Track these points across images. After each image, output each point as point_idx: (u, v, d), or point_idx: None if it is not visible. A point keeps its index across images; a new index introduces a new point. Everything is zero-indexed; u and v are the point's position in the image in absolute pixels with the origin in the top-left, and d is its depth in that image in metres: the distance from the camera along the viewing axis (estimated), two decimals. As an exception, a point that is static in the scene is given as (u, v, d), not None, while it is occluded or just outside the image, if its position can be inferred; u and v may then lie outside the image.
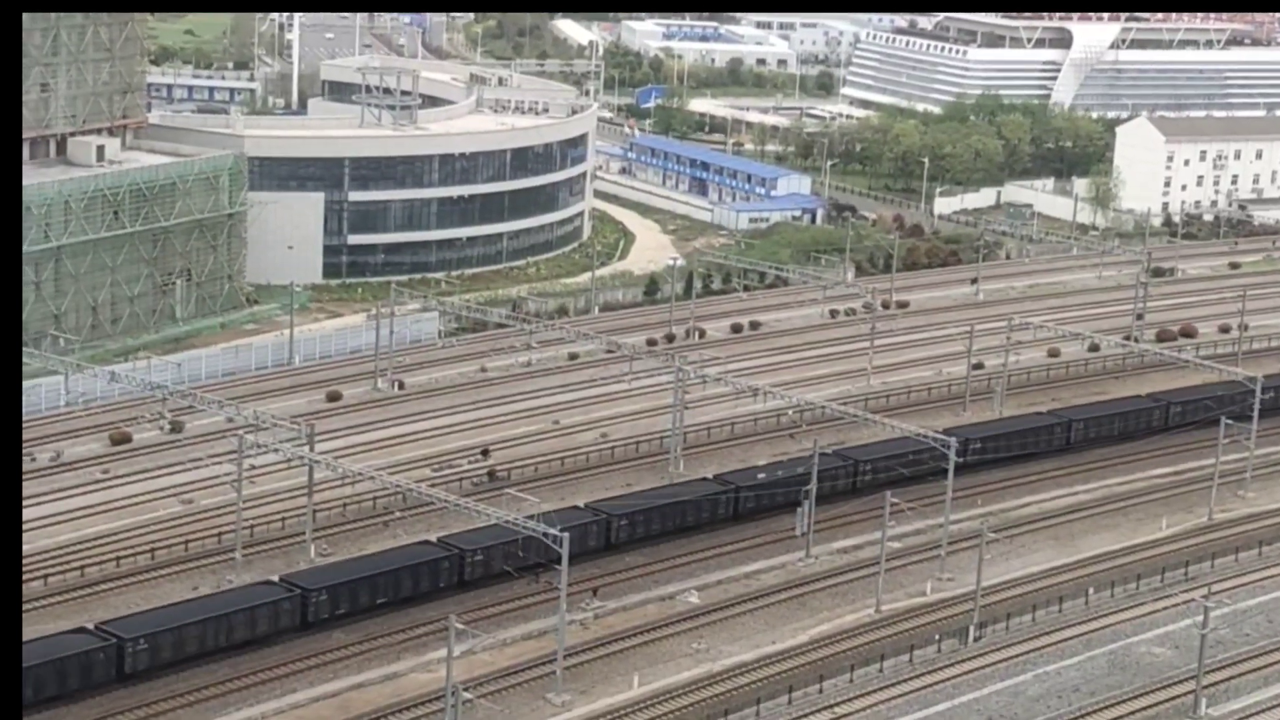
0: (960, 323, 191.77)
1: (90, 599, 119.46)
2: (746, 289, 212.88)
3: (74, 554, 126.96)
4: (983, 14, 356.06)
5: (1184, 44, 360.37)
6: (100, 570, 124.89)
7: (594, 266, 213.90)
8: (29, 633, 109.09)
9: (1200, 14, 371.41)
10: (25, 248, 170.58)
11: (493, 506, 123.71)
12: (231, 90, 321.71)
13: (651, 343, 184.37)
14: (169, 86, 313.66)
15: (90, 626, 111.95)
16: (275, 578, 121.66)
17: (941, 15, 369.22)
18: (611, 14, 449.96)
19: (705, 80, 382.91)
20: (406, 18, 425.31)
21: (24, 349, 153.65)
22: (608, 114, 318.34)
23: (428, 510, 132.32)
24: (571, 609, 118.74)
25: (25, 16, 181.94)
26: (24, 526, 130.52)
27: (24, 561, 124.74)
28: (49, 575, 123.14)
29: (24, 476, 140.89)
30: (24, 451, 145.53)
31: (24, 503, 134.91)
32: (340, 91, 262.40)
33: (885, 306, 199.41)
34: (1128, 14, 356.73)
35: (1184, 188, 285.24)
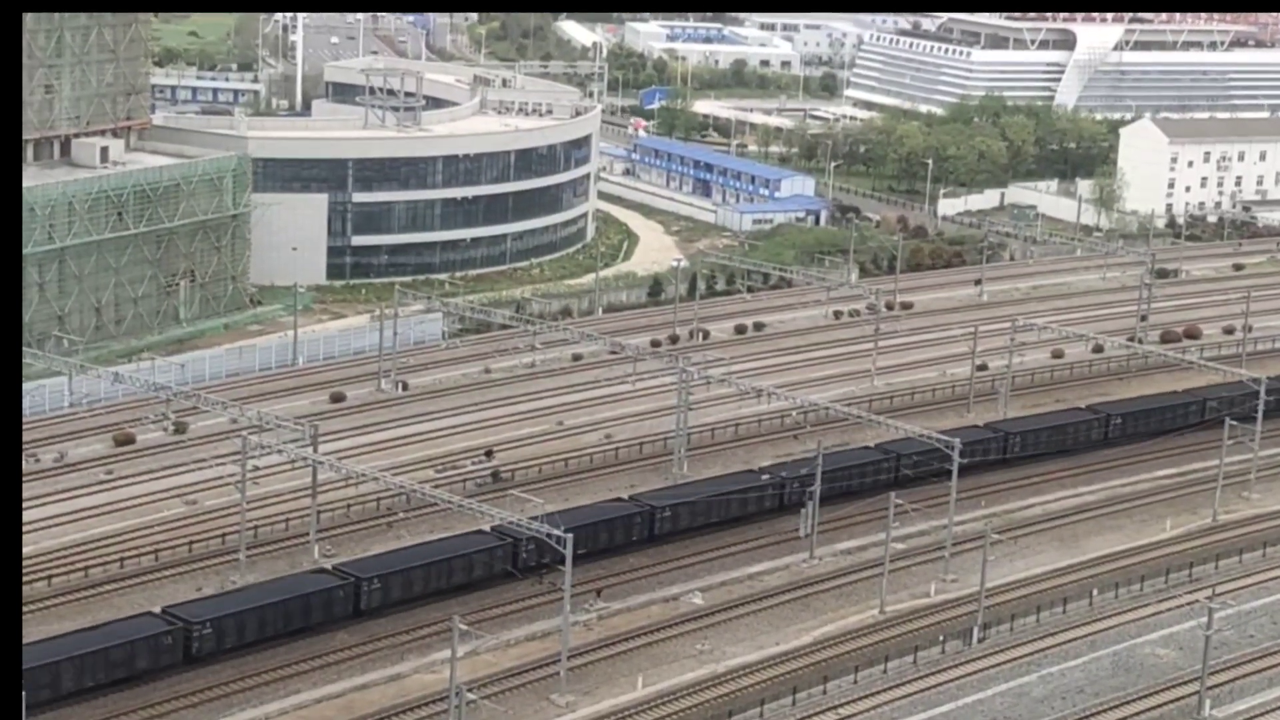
0: (964, 324, 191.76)
1: (94, 600, 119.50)
2: (750, 290, 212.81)
3: (78, 555, 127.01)
4: (987, 15, 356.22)
5: (1188, 45, 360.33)
6: (105, 571, 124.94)
7: (598, 268, 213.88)
8: (37, 634, 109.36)
9: (1204, 15, 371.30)
10: (29, 249, 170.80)
11: (496, 507, 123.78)
12: (235, 91, 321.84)
13: (655, 344, 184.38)
14: (173, 88, 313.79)
15: (329, 566, 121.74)
16: (329, 566, 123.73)
17: (945, 17, 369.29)
18: (614, 14, 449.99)
19: (709, 82, 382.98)
20: (410, 19, 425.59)
21: (28, 350, 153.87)
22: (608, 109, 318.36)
23: (431, 511, 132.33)
24: (575, 610, 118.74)
25: (29, 18, 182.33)
26: (29, 527, 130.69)
27: (28, 562, 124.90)
28: (53, 576, 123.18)
29: (28, 477, 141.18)
30: (29, 453, 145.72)
31: (29, 504, 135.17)
32: (344, 93, 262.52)
33: (889, 308, 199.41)
34: (1131, 15, 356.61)
35: (1188, 189, 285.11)
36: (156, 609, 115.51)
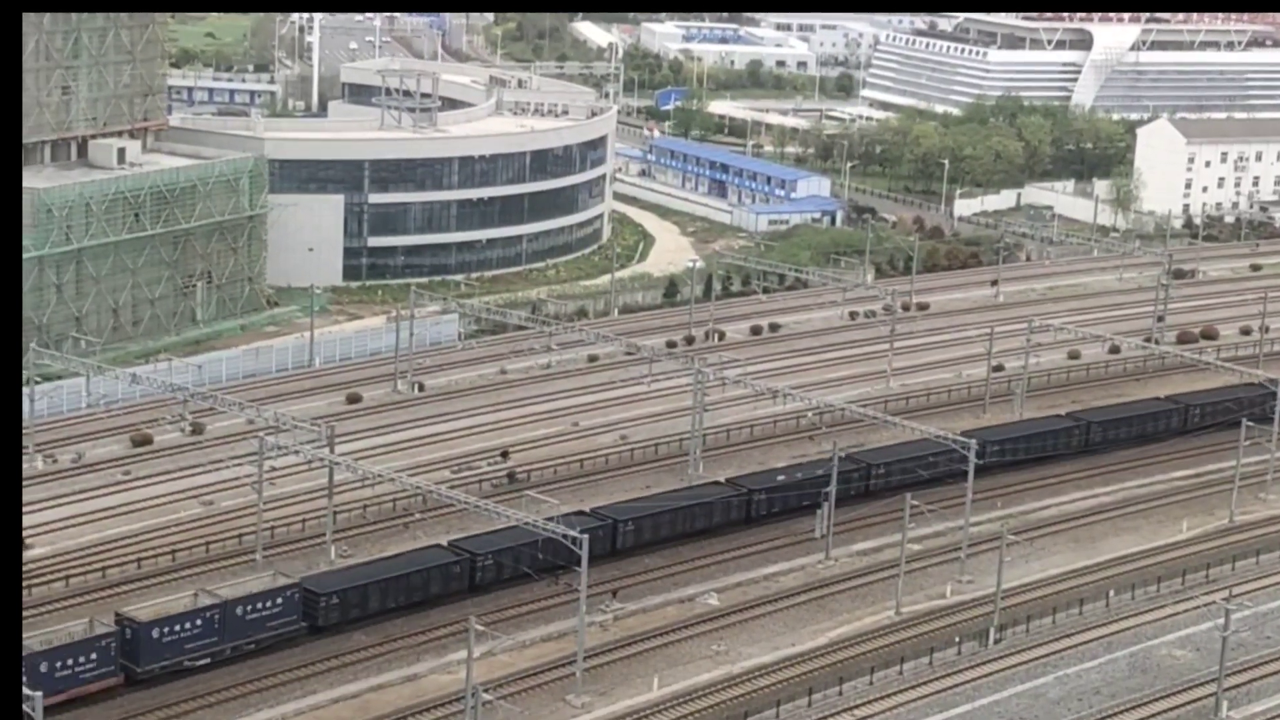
0: (980, 325, 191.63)
1: (112, 599, 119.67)
2: (766, 291, 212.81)
3: (95, 555, 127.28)
4: (1002, 15, 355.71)
5: (1205, 45, 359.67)
6: (121, 571, 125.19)
7: (613, 268, 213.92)
8: (53, 635, 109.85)
9: (1221, 15, 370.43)
10: (46, 250, 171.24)
11: (513, 508, 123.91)
12: (252, 93, 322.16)
13: (671, 345, 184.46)
14: (189, 89, 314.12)
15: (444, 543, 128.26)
16: (444, 542, 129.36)
17: (962, 16, 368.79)
18: (629, 14, 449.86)
19: (725, 82, 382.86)
20: (426, 19, 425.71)
21: (46, 351, 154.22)
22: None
23: (448, 512, 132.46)
24: (591, 611, 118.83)
25: (48, 19, 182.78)
26: (47, 528, 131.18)
27: (47, 563, 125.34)
28: (70, 576, 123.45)
29: (47, 478, 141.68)
30: (47, 453, 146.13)
31: (47, 504, 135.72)
32: (360, 94, 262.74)
33: (905, 308, 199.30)
34: (1148, 15, 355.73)
35: (1205, 189, 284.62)
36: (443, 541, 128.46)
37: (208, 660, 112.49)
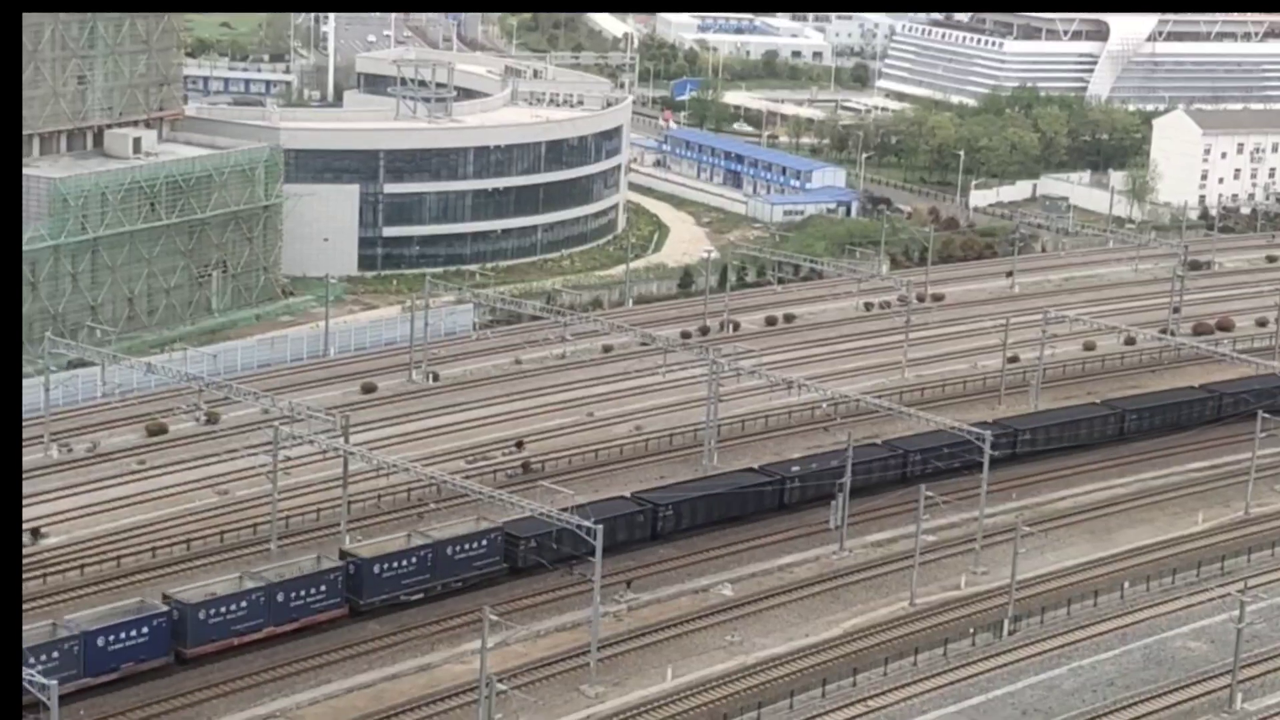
0: (996, 316, 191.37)
1: (126, 588, 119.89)
2: (781, 282, 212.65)
3: (110, 544, 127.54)
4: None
5: (1221, 36, 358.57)
6: (136, 560, 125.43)
7: (628, 259, 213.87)
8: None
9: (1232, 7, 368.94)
10: (62, 239, 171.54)
11: (528, 498, 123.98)
12: (267, 82, 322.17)
13: (686, 335, 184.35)
14: (205, 79, 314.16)
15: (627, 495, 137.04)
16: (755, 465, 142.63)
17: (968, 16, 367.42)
18: (630, 12, 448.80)
19: (740, 72, 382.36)
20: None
21: (62, 340, 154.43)
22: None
23: (462, 502, 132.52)
24: (605, 601, 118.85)
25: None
26: (62, 517, 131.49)
27: (62, 551, 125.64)
28: (85, 565, 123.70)
29: (62, 467, 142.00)
30: (61, 442, 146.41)
31: (62, 493, 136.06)
32: (375, 84, 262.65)
33: (920, 299, 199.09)
34: (1153, 12, 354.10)
35: (1221, 180, 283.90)
36: (627, 493, 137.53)
37: (421, 595, 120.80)
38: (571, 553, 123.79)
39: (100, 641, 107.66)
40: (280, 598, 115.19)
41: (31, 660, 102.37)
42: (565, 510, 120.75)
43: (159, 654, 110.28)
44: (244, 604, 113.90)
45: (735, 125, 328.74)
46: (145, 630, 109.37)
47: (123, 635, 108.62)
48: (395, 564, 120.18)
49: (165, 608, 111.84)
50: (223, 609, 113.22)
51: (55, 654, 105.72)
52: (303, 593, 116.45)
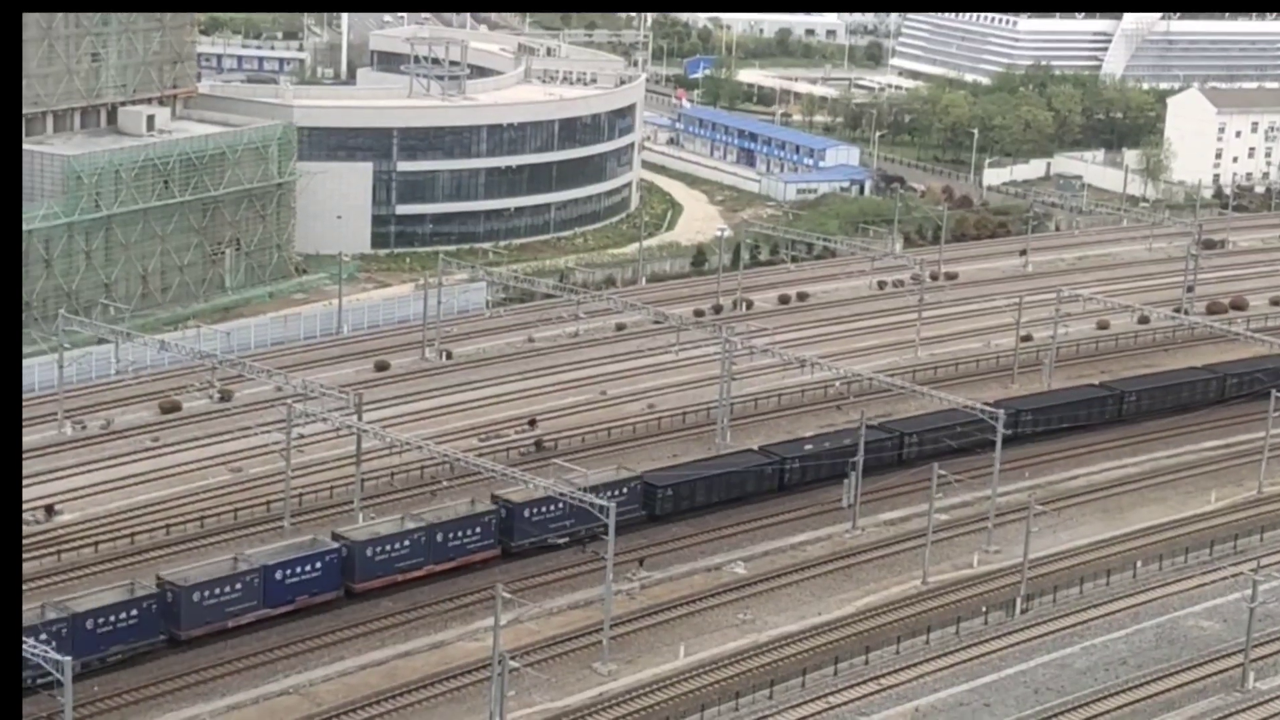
0: (1009, 294, 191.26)
1: (140, 565, 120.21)
2: (794, 260, 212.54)
3: (124, 521, 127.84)
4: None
5: (1236, 14, 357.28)
6: (150, 538, 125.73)
7: (641, 237, 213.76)
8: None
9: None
10: (76, 217, 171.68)
11: (540, 476, 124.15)
12: (281, 60, 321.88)
13: (699, 314, 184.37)
14: (219, 56, 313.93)
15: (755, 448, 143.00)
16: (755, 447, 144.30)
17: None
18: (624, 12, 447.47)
19: (754, 51, 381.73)
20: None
21: (76, 317, 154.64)
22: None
23: (475, 480, 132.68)
24: (618, 579, 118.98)
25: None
26: (77, 494, 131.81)
27: (76, 528, 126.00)
28: (100, 542, 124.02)
29: (76, 444, 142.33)
30: (75, 419, 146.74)
31: (76, 470, 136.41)
32: (389, 61, 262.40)
33: (934, 278, 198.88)
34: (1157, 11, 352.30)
35: (1235, 159, 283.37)
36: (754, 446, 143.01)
37: (565, 540, 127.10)
38: (705, 501, 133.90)
39: (278, 575, 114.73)
40: (440, 538, 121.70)
41: (218, 590, 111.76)
42: (697, 461, 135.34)
43: (331, 588, 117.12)
44: (406, 543, 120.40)
45: (748, 103, 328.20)
46: (319, 565, 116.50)
47: (298, 570, 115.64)
48: (543, 509, 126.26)
49: (336, 544, 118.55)
50: (387, 547, 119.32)
51: (238, 586, 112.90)
52: (460, 533, 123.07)
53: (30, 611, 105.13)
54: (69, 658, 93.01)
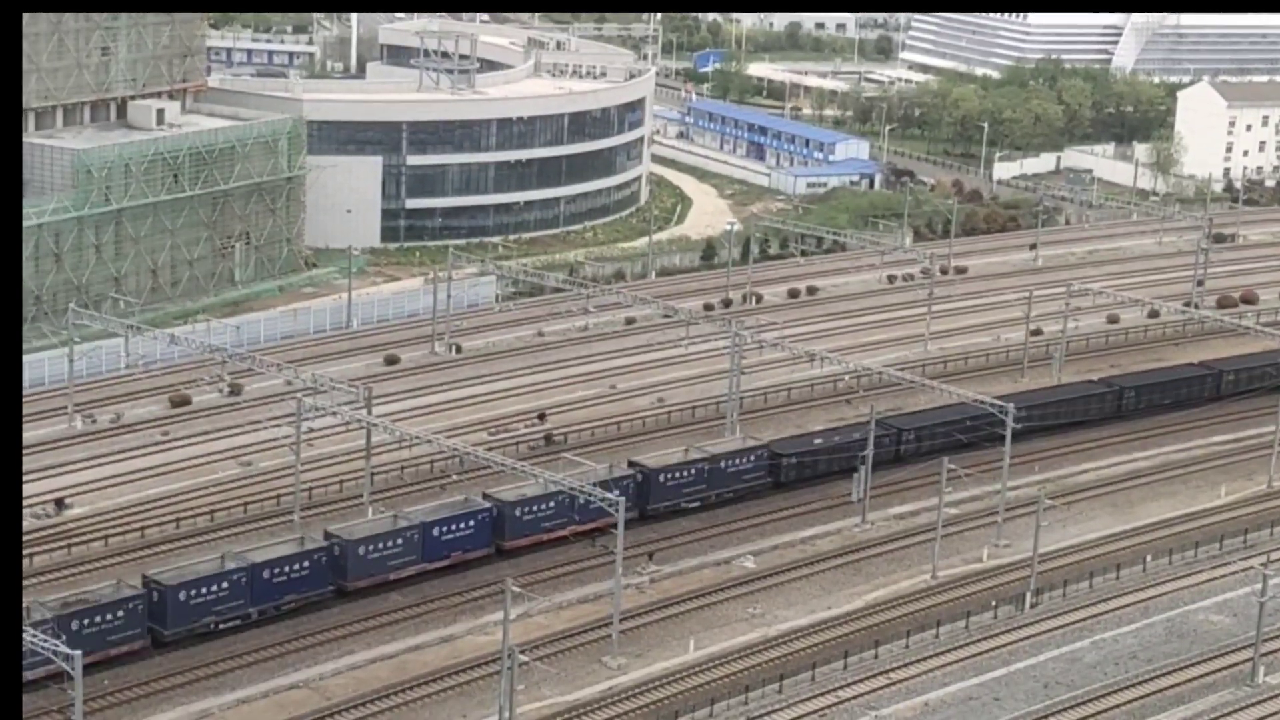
0: (1019, 288, 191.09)
1: (151, 559, 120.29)
2: (804, 254, 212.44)
3: (134, 515, 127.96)
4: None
5: (1239, 12, 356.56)
6: (160, 531, 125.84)
7: (651, 231, 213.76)
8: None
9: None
10: (86, 210, 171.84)
11: (551, 470, 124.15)
12: (290, 54, 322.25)
13: (708, 307, 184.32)
14: (228, 50, 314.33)
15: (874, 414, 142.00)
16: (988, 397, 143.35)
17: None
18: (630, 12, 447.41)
19: (763, 44, 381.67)
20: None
21: (85, 311, 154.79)
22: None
23: (485, 474, 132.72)
24: (628, 573, 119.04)
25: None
26: (87, 488, 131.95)
27: (86, 522, 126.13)
28: (110, 536, 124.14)
29: (87, 438, 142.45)
30: (85, 413, 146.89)
31: (87, 464, 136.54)
32: (398, 55, 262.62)
33: (943, 272, 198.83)
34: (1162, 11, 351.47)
35: (1245, 153, 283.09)
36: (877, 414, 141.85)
37: (698, 504, 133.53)
38: (826, 470, 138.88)
39: (435, 531, 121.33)
40: (581, 500, 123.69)
41: (379, 545, 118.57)
42: (823, 432, 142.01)
43: (482, 545, 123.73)
44: (551, 504, 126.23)
45: (758, 97, 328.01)
46: (472, 524, 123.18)
47: (453, 527, 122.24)
48: (678, 474, 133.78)
49: (488, 504, 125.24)
50: (535, 508, 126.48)
51: (399, 540, 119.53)
52: (532, 510, 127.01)
53: (208, 563, 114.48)
54: (79, 651, 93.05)
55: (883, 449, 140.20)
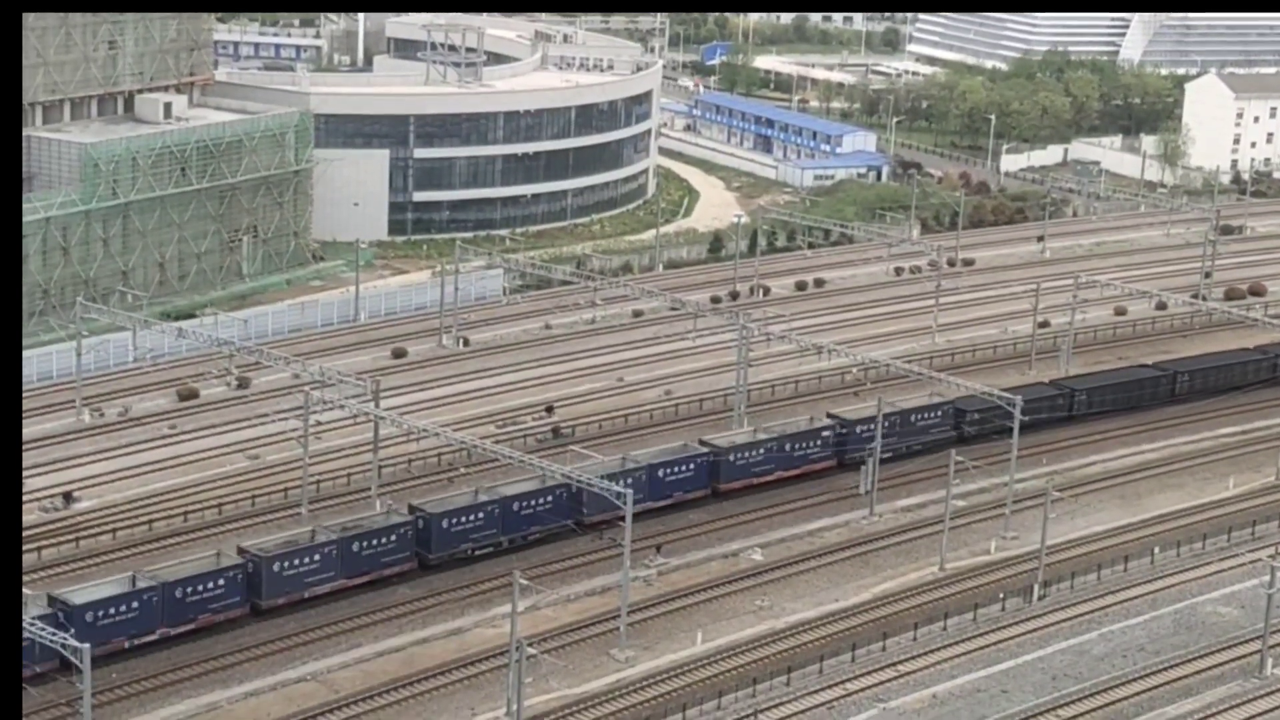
0: (1026, 281, 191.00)
1: (158, 553, 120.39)
2: (811, 246, 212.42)
3: (142, 508, 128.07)
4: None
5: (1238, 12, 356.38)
6: (168, 525, 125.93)
7: (658, 223, 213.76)
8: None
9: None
10: (93, 204, 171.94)
11: (559, 463, 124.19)
12: (297, 47, 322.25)
13: (715, 300, 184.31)
14: (235, 44, 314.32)
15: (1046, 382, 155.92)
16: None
17: None
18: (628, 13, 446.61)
19: (770, 36, 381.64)
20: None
21: (93, 305, 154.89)
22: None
23: (493, 466, 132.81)
24: (635, 565, 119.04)
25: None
26: (95, 481, 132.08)
27: (94, 515, 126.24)
28: (117, 529, 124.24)
29: (94, 431, 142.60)
30: (93, 407, 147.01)
31: (95, 457, 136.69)
32: (405, 48, 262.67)
33: (951, 264, 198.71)
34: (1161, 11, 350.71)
35: (1253, 145, 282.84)
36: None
37: (894, 454, 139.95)
38: (1005, 424, 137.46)
39: (660, 474, 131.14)
40: (789, 447, 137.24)
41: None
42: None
43: (701, 487, 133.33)
44: (762, 451, 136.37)
45: (765, 90, 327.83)
46: (691, 467, 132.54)
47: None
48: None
49: (705, 449, 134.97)
50: (748, 453, 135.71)
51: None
52: (747, 455, 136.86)
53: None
54: (86, 644, 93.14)
55: (1057, 409, 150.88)
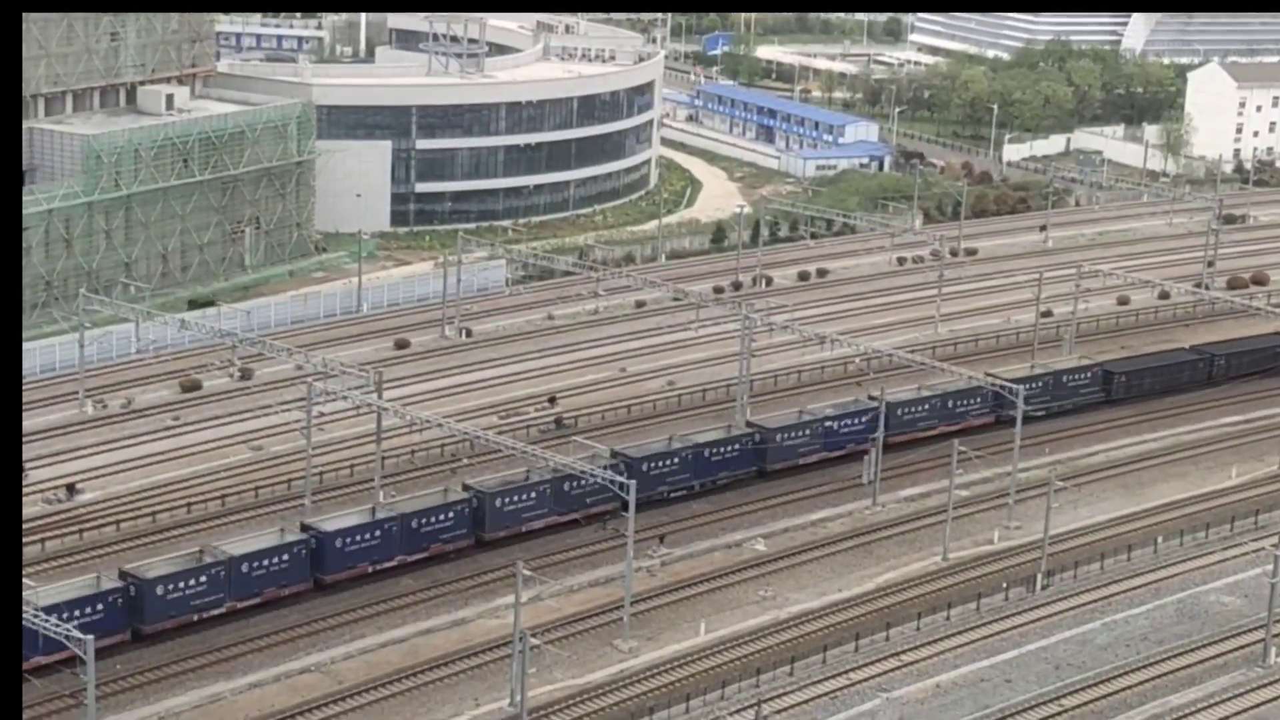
0: (1029, 270, 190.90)
1: (162, 544, 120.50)
2: (814, 236, 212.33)
3: (145, 500, 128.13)
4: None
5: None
6: (171, 516, 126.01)
7: (661, 214, 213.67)
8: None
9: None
10: (96, 196, 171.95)
11: (561, 454, 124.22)
12: (299, 38, 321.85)
13: (718, 290, 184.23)
14: (237, 35, 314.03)
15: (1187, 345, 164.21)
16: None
17: None
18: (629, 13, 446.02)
19: (772, 27, 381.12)
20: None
21: (96, 296, 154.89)
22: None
23: (495, 457, 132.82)
24: (639, 556, 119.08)
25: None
26: (98, 472, 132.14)
27: (98, 507, 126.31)
28: (121, 521, 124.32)
29: (98, 423, 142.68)
30: (96, 398, 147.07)
31: (98, 449, 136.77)
32: (408, 39, 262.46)
33: (953, 254, 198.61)
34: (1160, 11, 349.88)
35: (1256, 134, 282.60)
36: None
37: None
38: (1152, 388, 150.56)
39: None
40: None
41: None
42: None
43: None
44: (862, 420, 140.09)
45: (767, 80, 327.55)
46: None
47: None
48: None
49: (750, 429, 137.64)
50: (850, 421, 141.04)
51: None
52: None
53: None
54: (90, 636, 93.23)
55: (1198, 373, 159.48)
